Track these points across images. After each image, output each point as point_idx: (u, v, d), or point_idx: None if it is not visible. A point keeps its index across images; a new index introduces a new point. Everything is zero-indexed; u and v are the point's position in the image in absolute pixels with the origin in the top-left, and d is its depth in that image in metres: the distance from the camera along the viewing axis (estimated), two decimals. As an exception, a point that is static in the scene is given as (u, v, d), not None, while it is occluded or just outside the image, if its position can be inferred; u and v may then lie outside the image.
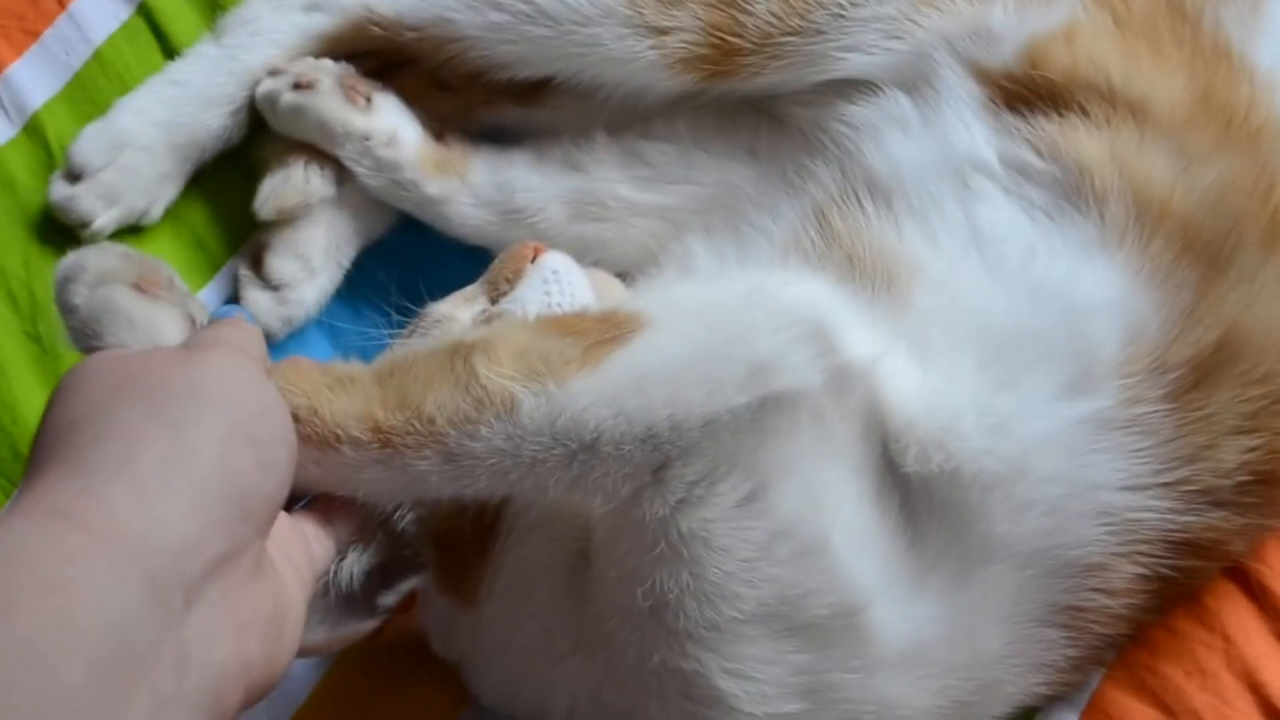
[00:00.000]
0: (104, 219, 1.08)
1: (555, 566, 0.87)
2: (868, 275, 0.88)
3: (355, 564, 0.88)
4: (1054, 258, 0.86)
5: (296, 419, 0.75)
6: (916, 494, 0.83)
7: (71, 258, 0.80)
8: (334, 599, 0.87)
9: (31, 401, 1.05)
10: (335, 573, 0.87)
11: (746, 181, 1.04)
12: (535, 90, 1.09)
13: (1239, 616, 0.98)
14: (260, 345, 0.77)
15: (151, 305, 0.79)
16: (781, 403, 0.78)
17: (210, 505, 0.63)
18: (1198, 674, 0.96)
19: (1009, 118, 0.92)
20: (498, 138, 1.12)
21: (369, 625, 0.88)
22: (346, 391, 0.78)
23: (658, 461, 0.77)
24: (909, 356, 0.84)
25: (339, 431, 0.76)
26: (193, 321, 0.83)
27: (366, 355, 1.03)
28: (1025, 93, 0.92)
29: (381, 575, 0.88)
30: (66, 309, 0.80)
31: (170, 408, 0.65)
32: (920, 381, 0.83)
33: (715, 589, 0.78)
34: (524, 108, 1.12)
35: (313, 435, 0.76)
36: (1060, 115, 0.90)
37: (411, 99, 1.10)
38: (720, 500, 0.78)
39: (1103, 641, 0.88)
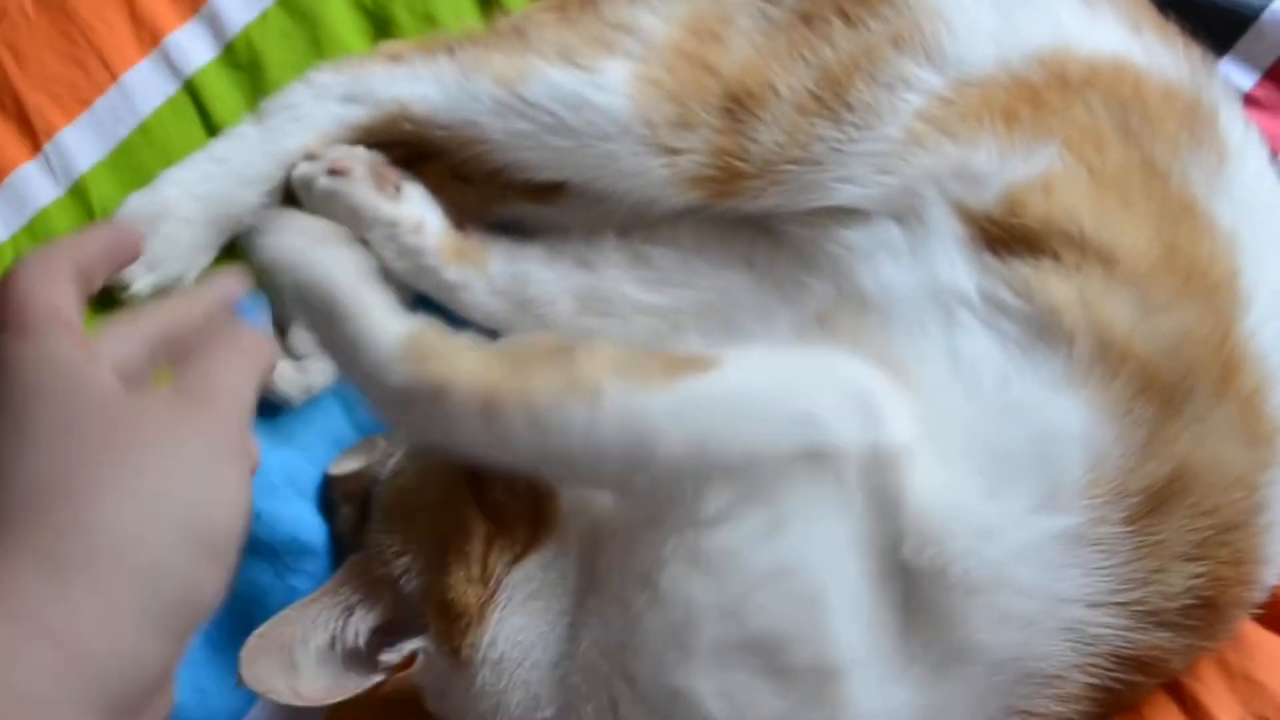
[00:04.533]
0: (142, 283, 1.13)
1: (546, 636, 0.93)
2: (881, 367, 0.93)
3: (361, 621, 0.95)
4: (1025, 387, 0.92)
5: (428, 360, 0.85)
6: (911, 590, 0.88)
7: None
8: (339, 653, 0.94)
9: None
10: (341, 628, 0.94)
11: (742, 290, 1.09)
12: (550, 190, 1.15)
13: (1173, 728, 1.02)
14: (267, 355, 0.80)
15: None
16: (817, 458, 0.86)
17: (168, 629, 0.65)
18: (1135, 776, 1.00)
19: (989, 257, 0.97)
20: (512, 228, 1.18)
21: (370, 680, 0.95)
22: (465, 354, 0.87)
23: (701, 476, 0.86)
24: (934, 450, 0.90)
25: (458, 382, 0.85)
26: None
27: (378, 425, 1.12)
28: (1004, 236, 0.97)
29: (385, 634, 0.95)
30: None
31: (143, 493, 0.66)
32: (940, 475, 0.89)
33: (719, 604, 0.86)
34: (538, 205, 1.17)
35: (425, 384, 0.85)
36: (1035, 259, 0.95)
37: (433, 188, 1.16)
38: (745, 525, 0.87)
39: None
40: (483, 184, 1.17)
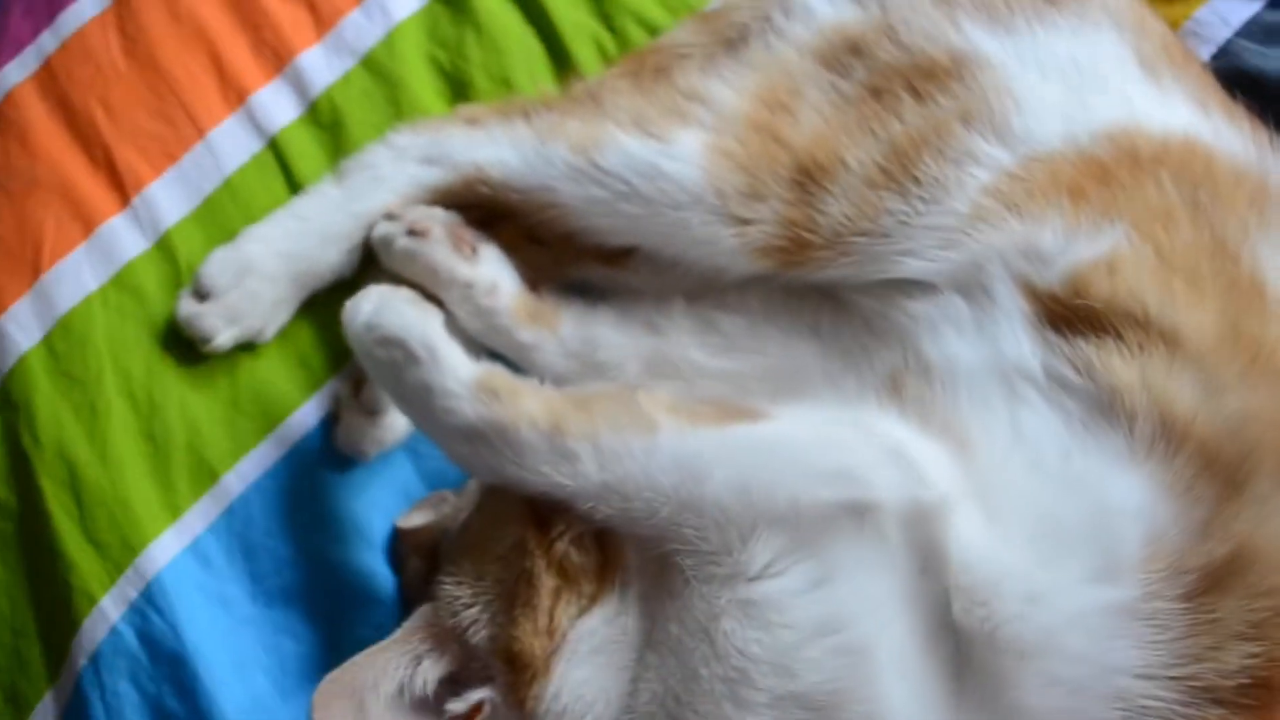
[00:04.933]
0: (224, 337, 1.17)
1: (608, 691, 0.95)
2: (942, 434, 0.96)
3: (429, 670, 0.97)
4: (1087, 462, 0.93)
5: (498, 398, 0.95)
6: (963, 651, 0.90)
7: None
8: (407, 700, 0.96)
9: (143, 497, 1.14)
10: (410, 677, 0.96)
11: (809, 356, 1.10)
12: (622, 254, 1.18)
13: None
14: None
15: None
16: (858, 514, 0.90)
17: None
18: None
19: (1052, 335, 0.98)
20: (583, 288, 1.20)
21: None
22: (533, 393, 0.97)
23: (747, 523, 0.91)
24: (978, 511, 0.92)
25: (525, 417, 0.95)
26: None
27: (445, 479, 1.15)
28: (1068, 315, 0.98)
29: (452, 684, 0.98)
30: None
31: None
32: (985, 535, 0.91)
33: (771, 658, 0.89)
34: (610, 268, 1.20)
35: (496, 419, 0.95)
36: (1098, 338, 0.96)
37: (508, 249, 1.18)
38: (793, 579, 0.91)
39: None
40: (556, 246, 1.19)
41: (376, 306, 1.01)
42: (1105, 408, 0.94)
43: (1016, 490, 0.94)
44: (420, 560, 1.10)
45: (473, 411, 0.96)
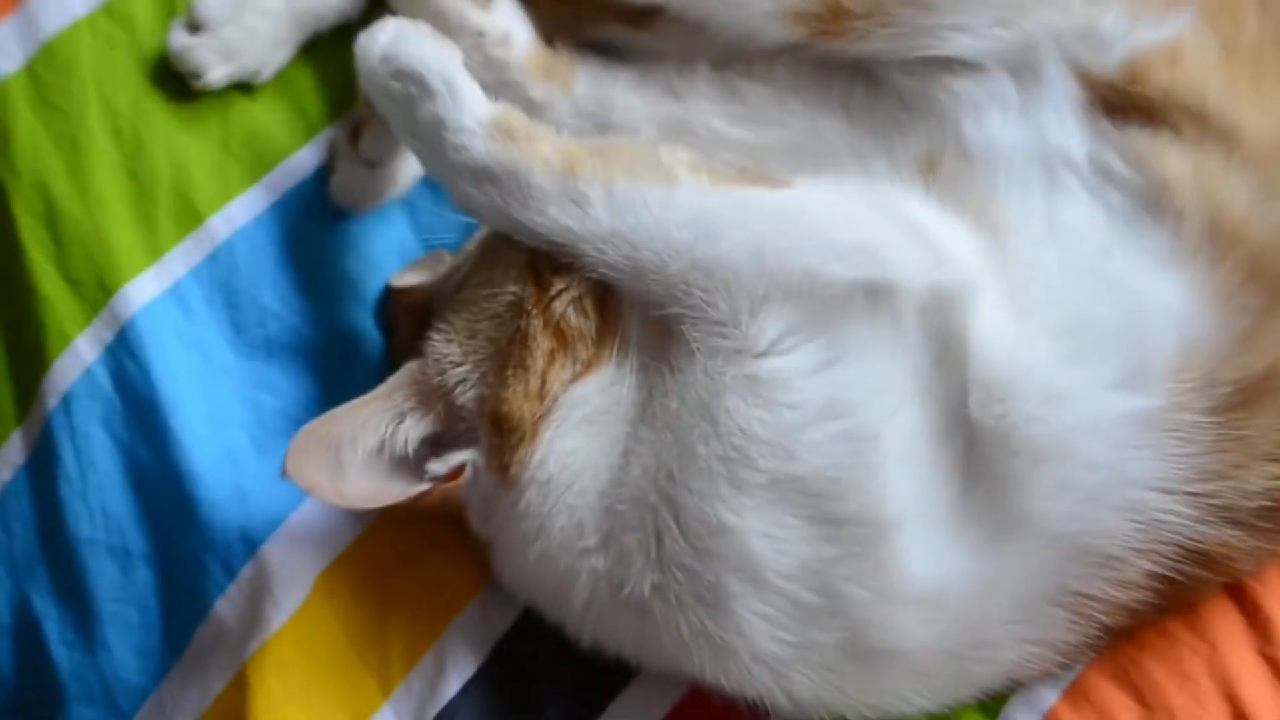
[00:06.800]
0: (217, 73, 1.14)
1: (597, 463, 0.94)
2: (975, 219, 0.94)
3: (411, 429, 0.96)
4: (1127, 259, 0.92)
5: (513, 138, 0.94)
6: (974, 449, 0.89)
7: None
8: (386, 458, 0.95)
9: (121, 235, 1.12)
10: (391, 434, 0.95)
11: (835, 134, 1.07)
12: (646, 15, 1.13)
13: (1228, 628, 1.01)
14: None
15: None
16: (875, 294, 0.88)
17: None
18: (1179, 675, 1.00)
19: (1104, 122, 0.96)
20: (602, 50, 1.16)
21: (414, 489, 0.96)
22: (549, 137, 0.96)
23: (759, 292, 0.90)
24: (1004, 302, 0.91)
25: (539, 158, 0.94)
26: None
27: (442, 239, 1.13)
28: (1122, 103, 0.96)
29: (434, 444, 0.96)
30: None
31: None
32: (1009, 328, 0.90)
33: (773, 439, 0.88)
34: (633, 29, 1.15)
35: (509, 159, 0.94)
36: (1153, 129, 0.95)
37: (527, 3, 1.14)
38: (801, 357, 0.90)
39: (1102, 631, 0.93)
40: (577, 1, 1.15)
41: (394, 38, 0.98)
42: (1152, 203, 0.93)
43: (1047, 284, 0.92)
44: (411, 323, 1.08)
45: (485, 150, 0.94)
